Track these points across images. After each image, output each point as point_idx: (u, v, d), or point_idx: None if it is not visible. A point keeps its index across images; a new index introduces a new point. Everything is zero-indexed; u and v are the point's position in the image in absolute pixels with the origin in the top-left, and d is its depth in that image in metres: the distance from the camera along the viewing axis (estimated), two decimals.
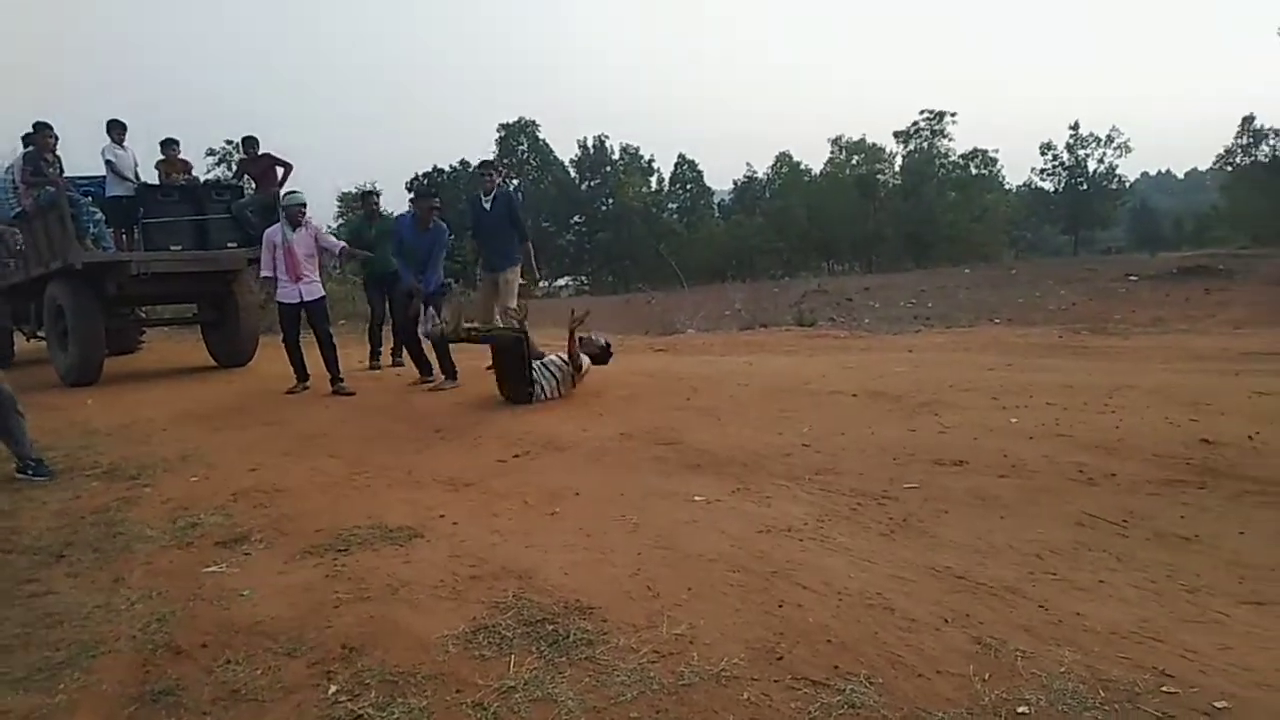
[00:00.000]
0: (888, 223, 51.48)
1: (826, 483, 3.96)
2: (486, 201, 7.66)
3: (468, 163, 53.40)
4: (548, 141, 60.90)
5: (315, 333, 7.48)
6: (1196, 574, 2.77)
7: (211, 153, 41.62)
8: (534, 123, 60.49)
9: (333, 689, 2.37)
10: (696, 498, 3.87)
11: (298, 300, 7.38)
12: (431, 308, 7.06)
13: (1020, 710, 2.02)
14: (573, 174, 60.32)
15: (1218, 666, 2.16)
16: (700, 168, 60.53)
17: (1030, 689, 2.11)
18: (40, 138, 8.09)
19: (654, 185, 60.06)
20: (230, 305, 9.24)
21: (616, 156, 59.91)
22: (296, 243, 7.30)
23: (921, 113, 54.90)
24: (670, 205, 59.95)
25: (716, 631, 2.53)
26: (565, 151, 60.96)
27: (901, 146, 56.41)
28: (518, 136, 60.46)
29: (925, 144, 55.06)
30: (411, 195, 8.28)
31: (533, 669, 2.38)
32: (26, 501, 4.56)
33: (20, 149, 8.52)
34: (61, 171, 8.26)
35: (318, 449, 5.41)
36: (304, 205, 7.44)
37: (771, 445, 4.66)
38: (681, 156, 60.66)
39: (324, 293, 7.68)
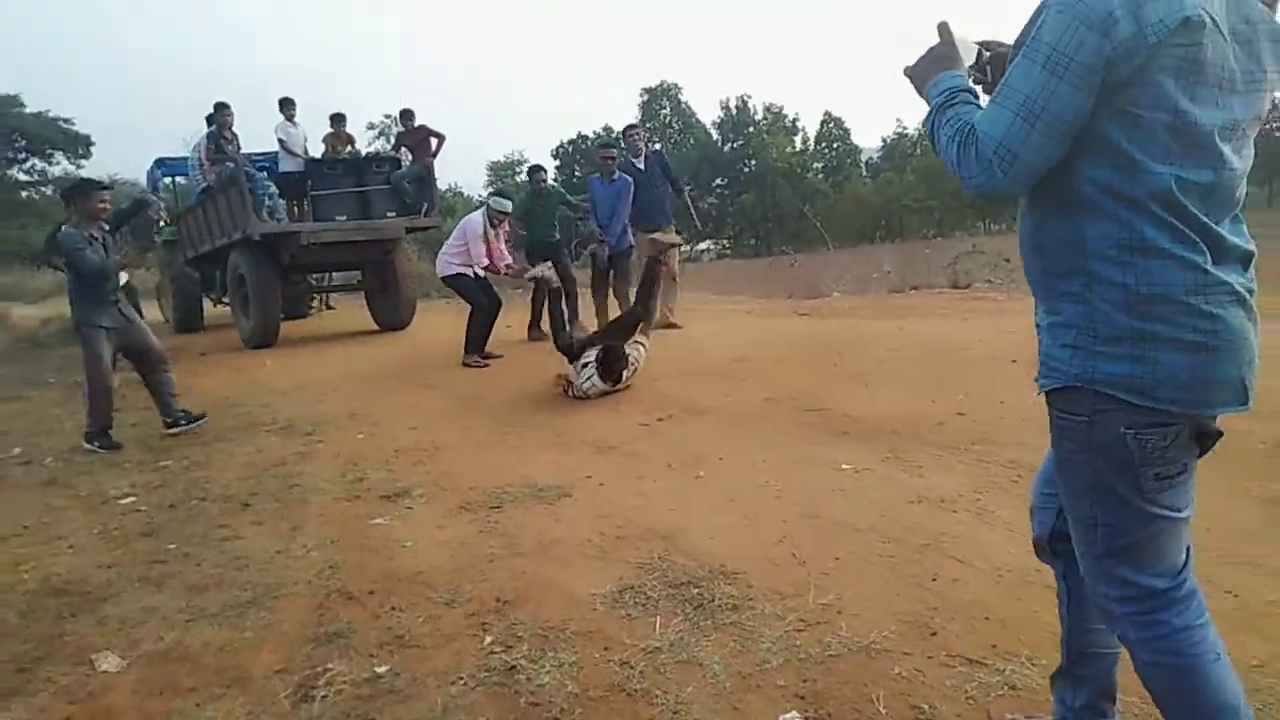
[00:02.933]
0: None
1: (983, 453, 3.77)
2: (640, 162, 7.93)
3: (610, 128, 53.80)
4: (689, 104, 60.39)
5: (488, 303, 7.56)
6: None
7: (371, 126, 43.87)
8: (676, 86, 60.07)
9: (488, 640, 2.47)
10: (844, 466, 3.78)
11: (471, 275, 7.45)
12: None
13: None
14: (715, 136, 59.61)
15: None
16: (847, 125, 58.54)
17: None
18: (221, 116, 8.75)
19: (798, 145, 58.56)
20: (390, 272, 9.70)
21: (760, 116, 58.72)
22: (494, 240, 7.52)
23: None
24: (815, 165, 58.34)
25: (865, 602, 2.47)
26: (707, 114, 60.30)
27: None
28: (660, 100, 60.22)
29: None
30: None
31: (678, 631, 2.40)
32: (216, 454, 4.99)
33: (204, 129, 9.21)
34: (239, 148, 8.88)
35: (471, 410, 5.64)
36: (507, 213, 7.47)
37: (924, 413, 4.48)
38: (828, 114, 58.83)
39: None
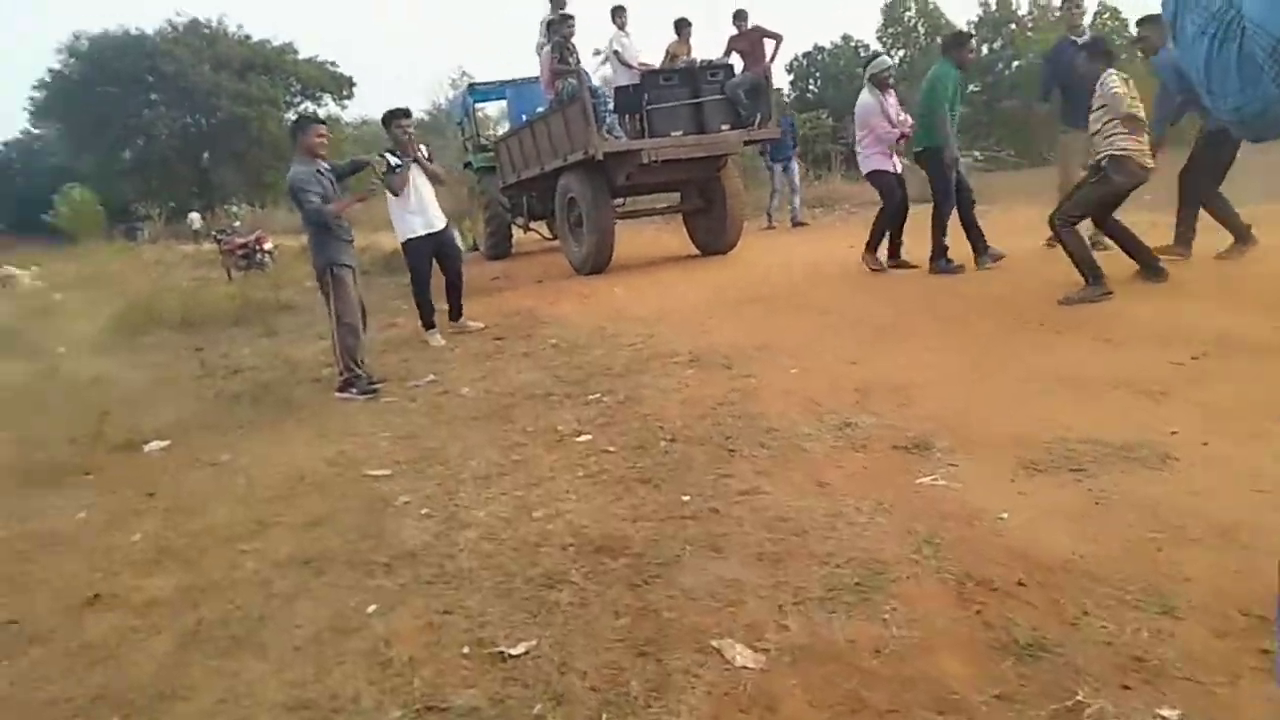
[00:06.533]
0: None
1: None
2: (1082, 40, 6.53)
3: (849, 37, 50.30)
4: (938, 5, 55.26)
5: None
6: None
7: (597, 53, 43.89)
8: None
9: None
10: None
11: (892, 170, 6.95)
12: None
13: None
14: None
15: None
16: (1123, 15, 51.05)
17: None
18: (564, 28, 8.23)
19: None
20: (718, 190, 9.09)
21: (1025, 11, 52.70)
22: (891, 108, 6.84)
23: None
24: None
25: None
26: (960, 15, 55.00)
27: None
28: (904, 3, 55.60)
29: None
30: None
31: None
32: (640, 388, 4.61)
33: (541, 35, 8.80)
34: (578, 62, 8.39)
35: (899, 339, 4.92)
36: (889, 68, 6.96)
37: None
38: (1102, 4, 51.60)
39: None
